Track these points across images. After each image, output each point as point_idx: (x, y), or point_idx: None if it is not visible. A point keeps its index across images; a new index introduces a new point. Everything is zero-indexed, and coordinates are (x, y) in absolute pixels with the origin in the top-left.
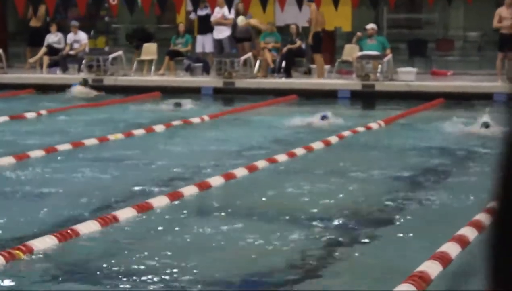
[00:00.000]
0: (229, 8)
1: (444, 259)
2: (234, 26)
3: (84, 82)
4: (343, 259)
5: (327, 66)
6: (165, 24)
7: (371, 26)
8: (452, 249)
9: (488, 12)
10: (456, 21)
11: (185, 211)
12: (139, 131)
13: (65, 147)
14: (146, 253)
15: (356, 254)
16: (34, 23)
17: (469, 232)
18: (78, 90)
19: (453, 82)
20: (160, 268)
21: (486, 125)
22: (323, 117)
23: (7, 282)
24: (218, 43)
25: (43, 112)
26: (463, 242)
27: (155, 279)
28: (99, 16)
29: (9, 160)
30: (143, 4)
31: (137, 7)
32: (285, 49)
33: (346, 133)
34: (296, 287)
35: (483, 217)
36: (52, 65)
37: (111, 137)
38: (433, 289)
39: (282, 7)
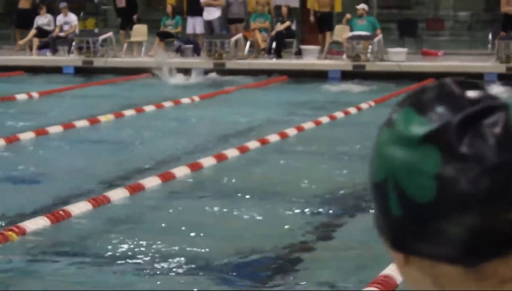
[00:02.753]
0: None
1: None
2: (226, 6)
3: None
4: (334, 238)
5: (317, 47)
6: (155, 5)
7: (361, 6)
8: None
9: None
10: (446, 0)
11: (176, 192)
12: (130, 112)
13: (56, 128)
14: (138, 233)
15: (342, 236)
16: (22, 4)
17: None
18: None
19: (443, 62)
20: (151, 248)
21: None
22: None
23: (0, 263)
24: (209, 24)
25: (33, 94)
26: None
27: (147, 259)
28: None
29: (0, 142)
30: None
31: None
32: (274, 31)
33: (337, 113)
34: (285, 266)
35: None
36: (42, 47)
37: (102, 118)
38: None
39: None
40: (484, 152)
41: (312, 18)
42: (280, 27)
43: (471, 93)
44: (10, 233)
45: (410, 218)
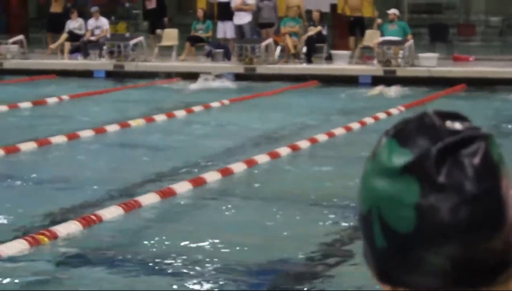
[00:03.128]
0: None
1: None
2: (257, 11)
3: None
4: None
5: (348, 52)
6: (186, 10)
7: (392, 11)
8: None
9: None
10: (477, 5)
11: (207, 197)
12: (160, 117)
13: (87, 132)
14: (169, 238)
15: None
16: (54, 8)
17: None
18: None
19: (474, 67)
20: (182, 253)
21: None
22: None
23: (32, 267)
24: (239, 29)
25: (64, 97)
26: None
27: (178, 263)
28: (120, 2)
29: (31, 145)
30: None
31: None
32: (305, 36)
33: (367, 119)
34: (315, 272)
35: None
36: (73, 51)
37: (133, 123)
38: None
39: None
40: (463, 182)
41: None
42: (311, 32)
43: (451, 124)
44: (41, 236)
45: (393, 249)
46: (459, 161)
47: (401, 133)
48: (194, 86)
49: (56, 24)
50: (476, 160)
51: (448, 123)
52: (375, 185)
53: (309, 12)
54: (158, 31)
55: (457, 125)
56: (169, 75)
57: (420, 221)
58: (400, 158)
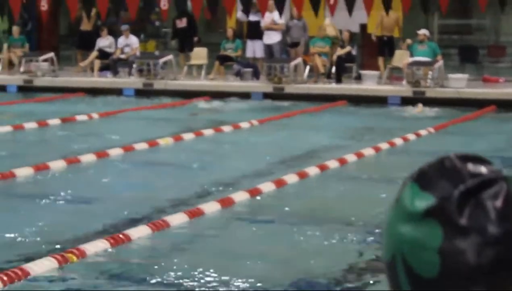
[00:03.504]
0: (280, 13)
1: None
2: (287, 31)
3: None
4: None
5: (377, 72)
6: (215, 28)
7: (423, 31)
8: None
9: None
10: (507, 26)
11: (236, 217)
12: (189, 136)
13: (116, 151)
14: (197, 258)
15: None
16: (84, 26)
17: None
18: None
19: (504, 89)
20: (210, 273)
21: None
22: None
23: (60, 285)
24: (268, 48)
25: (94, 115)
26: None
27: (207, 284)
28: (149, 20)
29: (61, 163)
30: (193, 9)
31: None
32: (335, 56)
33: (396, 140)
34: None
35: None
36: (103, 69)
37: (162, 141)
38: None
39: (332, 12)
40: (486, 224)
41: (373, 38)
42: (340, 52)
43: (472, 167)
44: (70, 255)
45: None
46: (481, 203)
47: (423, 177)
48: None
49: (86, 42)
50: (498, 202)
51: (469, 166)
52: (399, 230)
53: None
54: (186, 50)
55: (478, 168)
56: (198, 94)
57: (444, 265)
58: (422, 202)
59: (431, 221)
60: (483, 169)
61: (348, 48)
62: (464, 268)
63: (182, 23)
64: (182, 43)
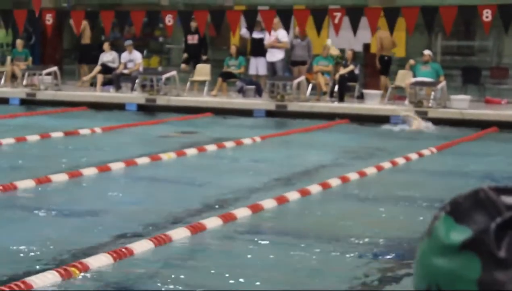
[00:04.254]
0: (287, 31)
1: None
2: (290, 49)
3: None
4: (391, 285)
5: (379, 92)
6: (219, 45)
7: (427, 52)
8: None
9: None
10: (510, 48)
11: (237, 233)
12: (191, 151)
13: (118, 165)
14: (198, 273)
15: (404, 284)
16: (84, 40)
17: None
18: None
19: (506, 111)
20: (210, 288)
21: None
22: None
23: None
24: (271, 66)
25: (97, 129)
26: None
27: None
28: (153, 36)
29: (63, 177)
30: (198, 25)
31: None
32: (337, 75)
33: (399, 159)
34: None
35: None
36: (106, 83)
37: (164, 156)
38: None
39: (336, 32)
40: None
41: (377, 64)
42: (343, 70)
43: (507, 199)
44: (73, 269)
45: None
46: None
47: (457, 210)
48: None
49: (86, 56)
50: None
51: (504, 198)
52: (434, 262)
53: (341, 51)
54: (190, 66)
55: None
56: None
57: None
58: (459, 235)
59: (468, 253)
60: None
61: (351, 67)
62: None
63: (193, 39)
64: (190, 57)
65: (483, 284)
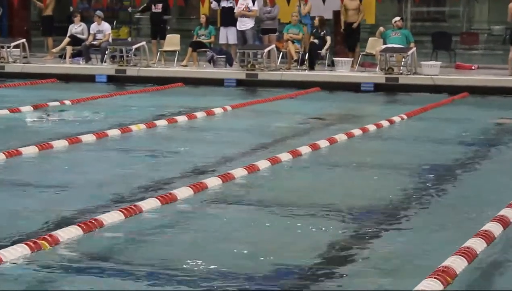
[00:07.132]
0: (253, 0)
1: (469, 255)
2: (260, 18)
3: None
4: (365, 253)
5: (350, 59)
6: (188, 15)
7: (397, 19)
8: (477, 244)
9: None
10: (480, 14)
11: (208, 202)
12: (162, 122)
13: (88, 137)
14: (169, 244)
15: (379, 248)
16: (45, 12)
17: (494, 228)
18: None
19: (477, 76)
20: (182, 259)
21: None
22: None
23: (33, 272)
24: (242, 34)
25: (66, 102)
26: (488, 237)
27: (178, 270)
28: (122, 6)
29: (33, 150)
30: None
31: None
32: (308, 42)
33: (369, 126)
34: (315, 282)
35: (508, 213)
36: (75, 55)
37: (134, 128)
38: (457, 284)
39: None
40: None
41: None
42: (314, 39)
43: None
44: (42, 241)
45: None
46: None
47: None
48: None
49: (48, 27)
50: None
51: None
52: None
53: (312, 19)
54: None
55: None
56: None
57: None
58: None
59: None
60: None
61: (328, 41)
62: None
63: (157, 8)
64: (155, 29)
65: None
